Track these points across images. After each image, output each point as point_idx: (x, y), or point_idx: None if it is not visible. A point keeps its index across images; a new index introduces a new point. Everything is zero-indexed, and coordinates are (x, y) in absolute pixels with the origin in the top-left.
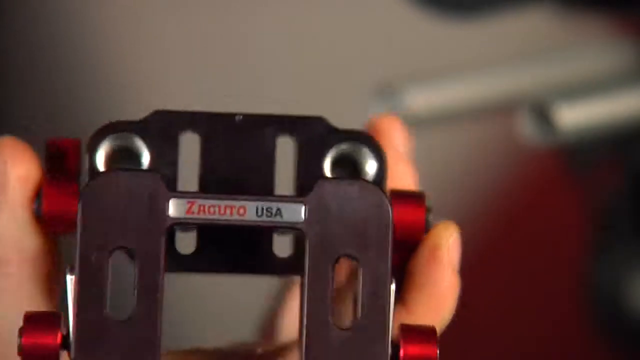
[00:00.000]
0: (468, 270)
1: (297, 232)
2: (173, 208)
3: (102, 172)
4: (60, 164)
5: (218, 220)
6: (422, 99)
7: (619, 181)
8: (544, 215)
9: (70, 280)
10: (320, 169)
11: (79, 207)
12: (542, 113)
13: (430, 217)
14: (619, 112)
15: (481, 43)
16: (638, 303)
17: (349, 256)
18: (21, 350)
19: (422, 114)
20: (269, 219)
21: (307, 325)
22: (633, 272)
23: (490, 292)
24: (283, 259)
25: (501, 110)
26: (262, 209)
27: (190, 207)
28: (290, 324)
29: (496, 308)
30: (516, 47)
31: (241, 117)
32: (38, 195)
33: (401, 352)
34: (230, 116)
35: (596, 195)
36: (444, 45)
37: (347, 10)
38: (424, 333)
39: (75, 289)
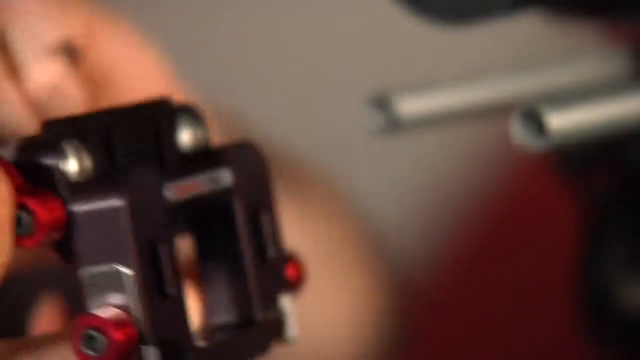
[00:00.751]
0: (464, 271)
1: (224, 194)
2: (170, 192)
3: (120, 172)
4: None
5: (197, 195)
6: (416, 105)
7: (611, 185)
8: (538, 218)
9: (127, 273)
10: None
11: (124, 208)
12: (533, 119)
13: None
14: (610, 119)
15: (474, 50)
16: (633, 303)
17: (259, 205)
18: (103, 350)
19: (416, 120)
20: (215, 186)
21: (248, 263)
22: (627, 273)
23: (486, 293)
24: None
25: (494, 116)
26: (209, 178)
27: (180, 188)
28: None
29: (492, 308)
30: (509, 54)
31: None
32: (20, 213)
33: (285, 272)
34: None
35: (589, 199)
36: (437, 51)
37: (342, 18)
38: (294, 259)
39: (138, 281)
